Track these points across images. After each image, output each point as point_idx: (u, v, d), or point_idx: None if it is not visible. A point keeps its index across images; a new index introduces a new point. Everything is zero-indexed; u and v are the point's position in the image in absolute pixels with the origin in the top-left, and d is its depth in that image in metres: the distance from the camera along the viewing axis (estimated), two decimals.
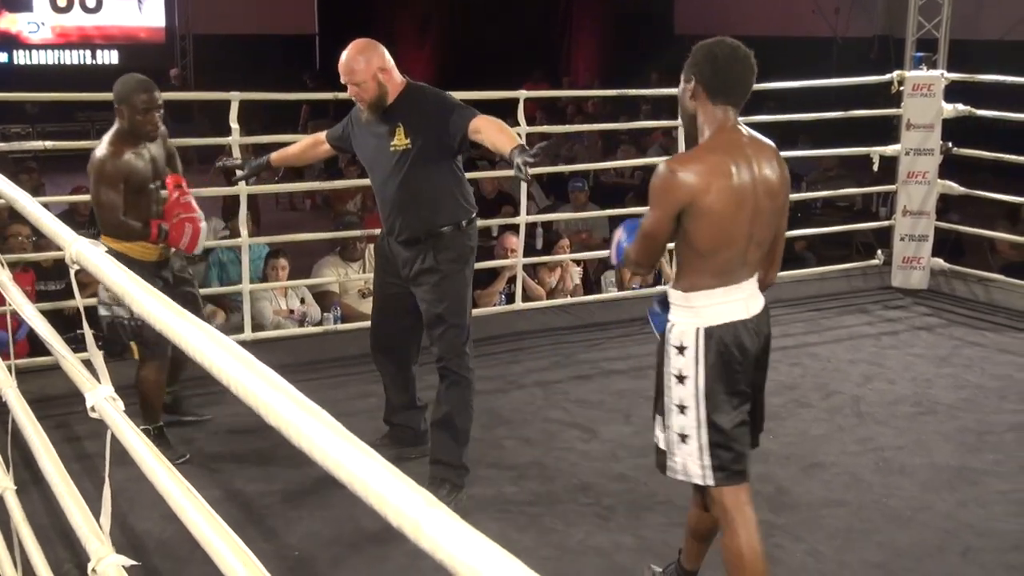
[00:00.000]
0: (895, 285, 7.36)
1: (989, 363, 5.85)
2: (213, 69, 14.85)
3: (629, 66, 17.91)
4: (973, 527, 4.04)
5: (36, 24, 16.17)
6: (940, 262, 7.25)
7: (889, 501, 4.20)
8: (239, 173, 4.92)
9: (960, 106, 7.18)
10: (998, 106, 7.14)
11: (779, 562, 3.74)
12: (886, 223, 7.63)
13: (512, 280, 6.74)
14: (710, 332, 2.97)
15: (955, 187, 7.26)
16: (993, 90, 7.34)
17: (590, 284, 7.98)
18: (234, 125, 5.67)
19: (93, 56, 16.35)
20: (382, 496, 0.88)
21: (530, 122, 6.51)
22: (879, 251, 7.61)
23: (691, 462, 3.03)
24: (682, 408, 3.02)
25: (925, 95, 7.23)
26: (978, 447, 4.76)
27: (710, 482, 3.03)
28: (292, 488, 4.15)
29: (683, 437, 3.03)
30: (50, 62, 16.04)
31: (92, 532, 1.91)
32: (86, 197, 5.25)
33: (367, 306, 7.02)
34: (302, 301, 6.86)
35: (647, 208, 3.04)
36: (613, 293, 7.22)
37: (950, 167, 7.31)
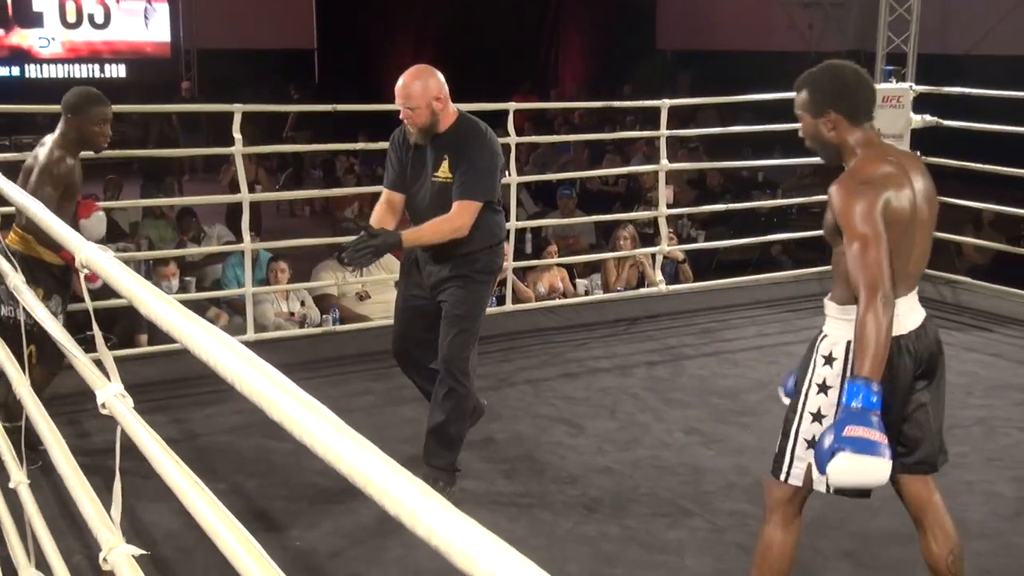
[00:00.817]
0: None
1: (955, 360, 5.85)
2: (217, 82, 14.85)
3: (613, 78, 17.96)
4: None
5: (47, 39, 16.13)
6: None
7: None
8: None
9: (928, 117, 7.21)
10: (964, 117, 7.16)
11: (754, 550, 3.75)
12: None
13: (502, 283, 6.75)
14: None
15: None
16: (959, 101, 7.36)
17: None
18: (237, 135, 5.68)
19: (101, 70, 16.31)
20: (381, 487, 0.89)
21: (519, 132, 6.52)
22: None
23: (814, 469, 2.78)
24: (819, 417, 2.86)
25: (895, 106, 7.26)
26: (946, 440, 4.77)
27: (794, 483, 2.91)
28: (292, 482, 4.16)
29: (812, 444, 2.83)
30: (60, 76, 15.99)
31: (103, 523, 1.91)
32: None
33: (364, 308, 7.04)
34: (302, 303, 6.86)
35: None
36: (599, 295, 7.24)
37: None
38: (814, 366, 2.89)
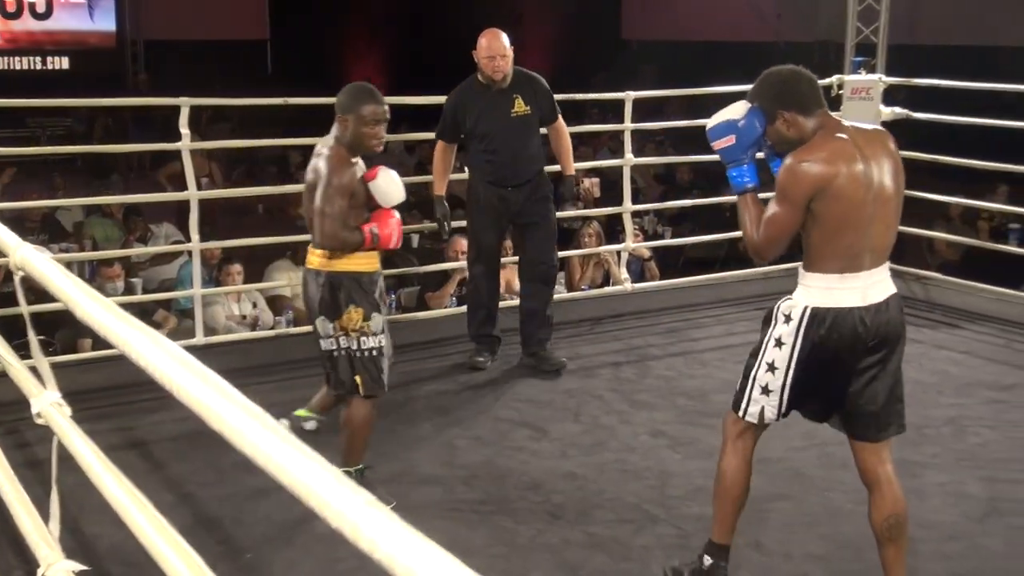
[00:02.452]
0: None
1: (926, 359, 5.92)
2: (165, 74, 14.70)
3: (578, 69, 17.97)
4: (912, 518, 4.06)
5: None
6: None
7: (831, 495, 4.25)
8: (446, 228, 5.75)
9: (898, 109, 7.27)
10: (935, 109, 7.23)
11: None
12: None
13: (463, 282, 6.73)
14: (816, 312, 3.14)
15: None
16: (930, 93, 7.43)
17: None
18: (184, 131, 5.60)
19: (43, 62, 16.10)
20: (323, 499, 0.88)
21: None
22: None
23: (768, 410, 3.28)
24: (772, 368, 3.24)
25: (864, 98, 7.32)
26: (917, 441, 4.81)
27: (764, 417, 3.31)
28: (244, 491, 4.11)
29: (765, 390, 3.27)
30: None
31: (41, 538, 1.89)
32: (37, 203, 5.18)
33: None
34: (254, 305, 6.81)
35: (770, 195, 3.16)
36: (563, 294, 7.23)
37: None
38: (775, 322, 3.27)
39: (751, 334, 6.30)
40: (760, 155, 3.36)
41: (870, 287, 3.13)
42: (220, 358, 5.67)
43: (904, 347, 3.26)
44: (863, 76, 7.49)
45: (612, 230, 7.87)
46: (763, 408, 3.28)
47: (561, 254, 7.75)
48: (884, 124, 7.22)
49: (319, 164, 3.95)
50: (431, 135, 5.80)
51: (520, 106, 5.41)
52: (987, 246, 8.04)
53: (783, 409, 3.29)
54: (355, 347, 3.97)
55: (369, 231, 3.91)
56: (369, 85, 4.19)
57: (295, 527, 3.82)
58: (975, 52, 13.31)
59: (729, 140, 3.26)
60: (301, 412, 4.49)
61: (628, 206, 7.11)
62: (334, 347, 3.99)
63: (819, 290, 3.14)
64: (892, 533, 3.23)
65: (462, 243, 6.86)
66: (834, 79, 7.46)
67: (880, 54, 8.05)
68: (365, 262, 4.00)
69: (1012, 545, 3.81)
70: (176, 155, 5.97)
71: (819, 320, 3.13)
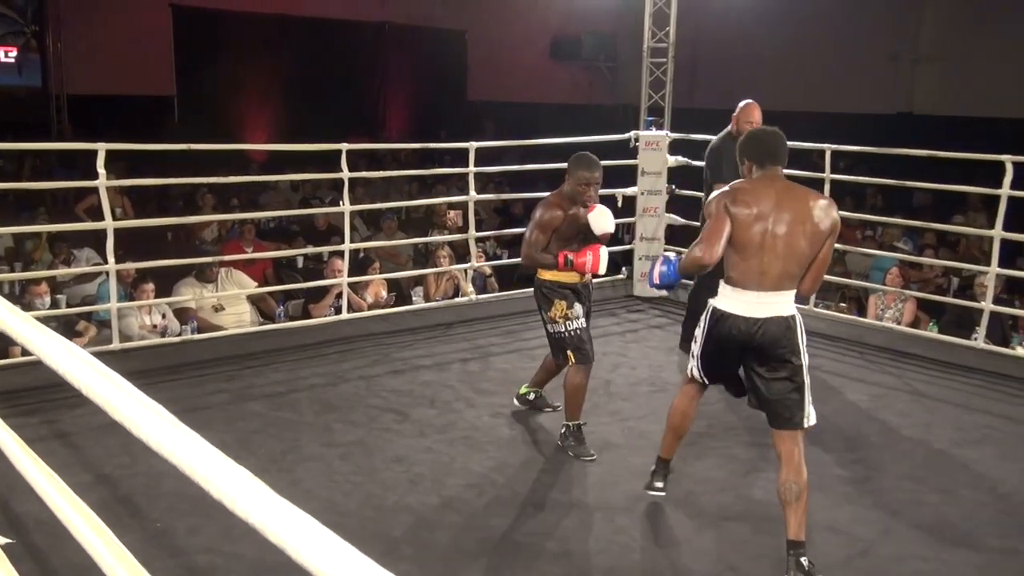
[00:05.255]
0: (635, 294, 7.63)
1: None
2: (86, 123, 14.07)
3: (432, 124, 17.96)
4: (692, 476, 4.21)
5: None
6: None
7: (633, 459, 4.34)
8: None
9: (680, 158, 7.51)
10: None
11: (552, 509, 3.81)
12: (629, 246, 7.89)
13: (340, 295, 6.64)
14: (715, 310, 3.44)
15: (677, 219, 7.58)
16: (705, 145, 7.68)
17: (403, 296, 7.93)
18: (101, 171, 5.40)
19: None
20: (204, 474, 0.85)
21: (353, 168, 6.43)
22: (623, 268, 7.85)
23: (695, 370, 3.64)
24: (695, 340, 3.60)
25: (655, 149, 7.54)
26: (697, 416, 4.96)
27: (694, 375, 3.66)
28: (154, 470, 3.93)
29: (692, 355, 3.63)
30: None
31: None
32: None
33: (219, 319, 6.79)
34: (163, 316, 6.55)
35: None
36: (421, 304, 7.21)
37: (674, 205, 7.64)
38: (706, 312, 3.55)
39: None
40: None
41: (754, 304, 3.32)
42: (134, 361, 5.45)
43: (799, 364, 3.34)
44: (654, 132, 7.71)
45: (460, 252, 7.88)
46: (692, 368, 3.64)
47: (419, 272, 7.73)
48: (669, 170, 7.46)
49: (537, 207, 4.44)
50: (315, 175, 5.68)
51: None
52: None
53: (702, 374, 3.62)
54: (563, 330, 4.39)
55: (564, 257, 4.33)
56: (588, 155, 4.44)
57: (197, 499, 3.67)
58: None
59: (667, 280, 3.69)
60: (523, 389, 4.98)
61: (473, 233, 7.13)
62: (552, 331, 4.46)
63: (722, 296, 3.42)
64: (785, 497, 3.31)
65: (338, 263, 6.77)
66: (631, 134, 7.66)
67: (667, 115, 8.28)
68: (566, 277, 4.42)
69: (769, 493, 3.97)
70: (94, 190, 5.72)
71: (716, 316, 3.44)
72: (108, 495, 3.78)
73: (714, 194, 3.43)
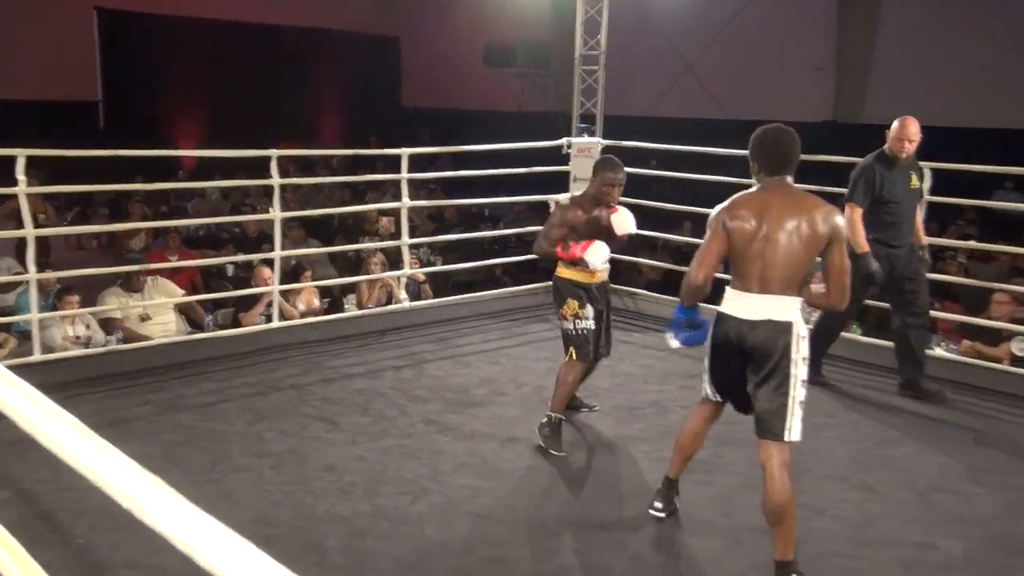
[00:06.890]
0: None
1: (636, 356, 6.17)
2: (6, 128, 13.65)
3: (365, 130, 17.84)
4: (626, 478, 4.25)
5: None
6: None
7: (571, 460, 4.36)
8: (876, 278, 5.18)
9: None
10: (641, 164, 7.55)
11: (484, 517, 3.80)
12: None
13: (271, 303, 6.54)
14: (720, 314, 3.39)
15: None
16: (637, 152, 7.77)
17: (335, 304, 7.86)
18: (20, 177, 5.25)
19: None
20: (115, 486, 0.83)
21: (284, 174, 6.35)
22: None
23: (706, 387, 3.58)
24: (704, 355, 3.54)
25: (587, 156, 7.59)
26: (628, 419, 5.01)
27: (706, 392, 3.58)
28: (77, 486, 3.81)
29: (704, 372, 3.57)
30: None
31: None
32: None
33: (146, 328, 6.64)
34: (87, 327, 6.38)
35: None
36: (353, 312, 7.14)
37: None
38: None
39: (503, 340, 6.46)
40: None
41: (750, 306, 3.29)
42: (55, 373, 5.30)
43: (789, 371, 3.21)
44: (586, 139, 7.78)
45: (392, 259, 7.83)
46: (704, 385, 3.58)
47: (352, 279, 7.67)
48: None
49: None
50: (247, 182, 5.59)
51: (915, 182, 5.27)
52: (680, 268, 8.45)
53: (713, 389, 3.55)
54: (571, 327, 4.55)
55: (562, 245, 4.47)
56: (613, 158, 4.65)
57: (120, 514, 3.58)
58: (671, 122, 14.05)
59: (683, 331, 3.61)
60: None
61: (406, 240, 7.09)
62: (562, 327, 4.60)
63: (726, 300, 3.39)
64: (767, 518, 3.25)
65: (265, 271, 6.68)
66: (564, 140, 7.70)
67: (599, 122, 8.36)
68: (581, 276, 4.55)
69: (696, 493, 4.01)
70: (14, 197, 5.55)
71: (720, 320, 3.40)
72: (28, 510, 3.67)
73: (715, 209, 3.37)
